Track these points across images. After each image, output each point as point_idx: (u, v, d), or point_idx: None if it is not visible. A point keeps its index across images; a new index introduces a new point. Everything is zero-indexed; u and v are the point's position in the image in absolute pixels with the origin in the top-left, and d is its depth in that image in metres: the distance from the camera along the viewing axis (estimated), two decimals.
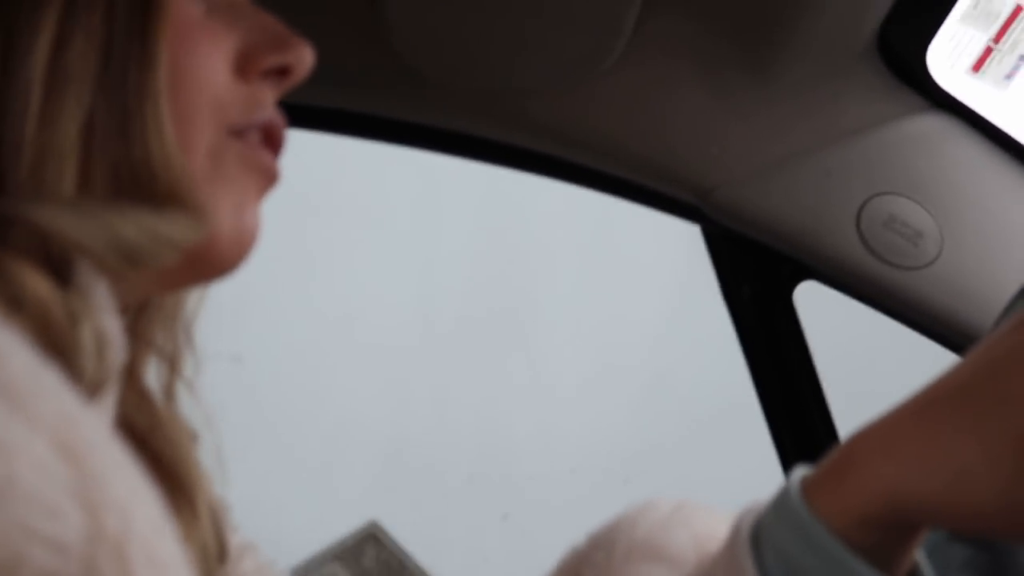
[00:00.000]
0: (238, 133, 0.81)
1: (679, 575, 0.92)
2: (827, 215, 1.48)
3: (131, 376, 0.88)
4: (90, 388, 0.68)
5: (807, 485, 0.78)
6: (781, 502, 0.79)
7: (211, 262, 0.80)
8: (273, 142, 0.84)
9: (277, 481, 3.46)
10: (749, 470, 2.13)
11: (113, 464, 0.60)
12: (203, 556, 0.90)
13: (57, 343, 0.66)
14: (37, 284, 0.66)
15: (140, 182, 0.73)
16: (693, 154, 1.49)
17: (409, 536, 3.65)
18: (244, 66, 0.82)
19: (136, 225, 0.72)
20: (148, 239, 0.72)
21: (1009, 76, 1.40)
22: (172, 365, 0.92)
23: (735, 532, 0.82)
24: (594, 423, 3.77)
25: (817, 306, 1.67)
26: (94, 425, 0.60)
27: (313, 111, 1.49)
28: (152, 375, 0.92)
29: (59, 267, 0.70)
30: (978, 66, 1.40)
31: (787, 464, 1.61)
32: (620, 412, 3.78)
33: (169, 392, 0.91)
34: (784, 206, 1.48)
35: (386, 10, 1.34)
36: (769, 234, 1.51)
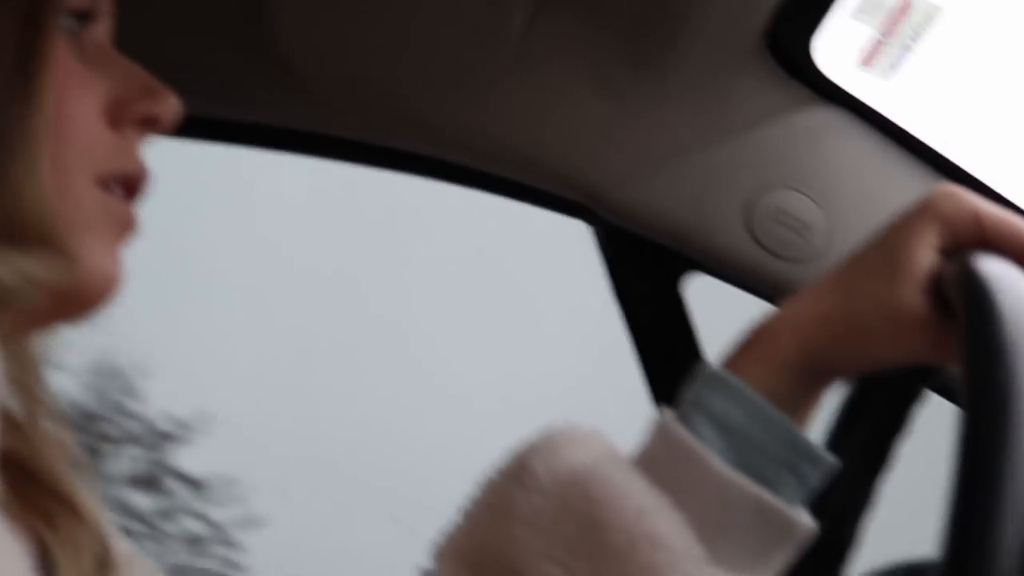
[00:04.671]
0: (103, 183, 0.84)
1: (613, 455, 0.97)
2: (716, 210, 1.48)
3: None
4: None
5: (726, 361, 0.92)
6: (701, 377, 0.92)
7: (78, 303, 0.83)
8: (133, 191, 0.86)
9: None
10: None
11: None
12: (95, 565, 0.89)
13: None
14: None
15: (12, 223, 0.75)
16: (582, 154, 1.48)
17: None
18: (116, 115, 0.85)
19: (5, 266, 0.74)
20: (17, 280, 0.74)
21: (895, 67, 1.41)
22: (29, 392, 0.91)
23: (658, 416, 0.93)
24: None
25: (710, 299, 1.67)
26: None
27: (194, 121, 1.46)
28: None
29: None
30: (868, 59, 1.41)
31: None
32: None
33: (32, 415, 0.91)
34: (673, 203, 1.48)
35: (272, 16, 1.32)
36: (659, 231, 1.51)
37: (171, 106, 0.88)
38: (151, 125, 0.87)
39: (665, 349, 1.61)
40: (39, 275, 0.75)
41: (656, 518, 0.89)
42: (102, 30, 0.88)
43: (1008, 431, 0.69)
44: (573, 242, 1.78)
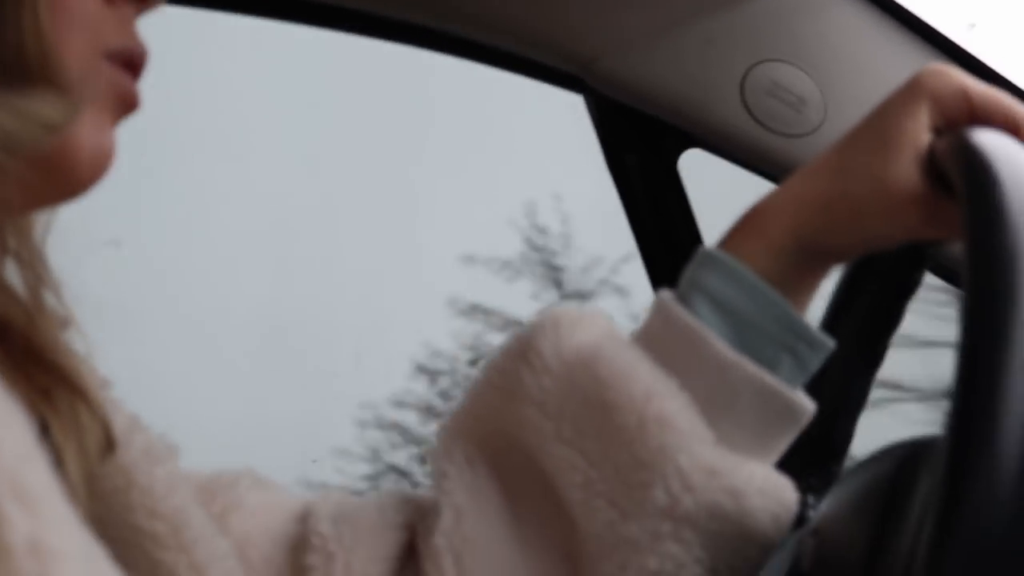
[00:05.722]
0: (108, 56, 0.82)
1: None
2: (710, 83, 1.48)
3: None
4: None
5: (723, 242, 0.93)
6: (699, 259, 0.92)
7: (68, 176, 0.81)
8: (135, 69, 0.85)
9: (159, 366, 3.44)
10: None
11: None
12: (98, 447, 0.89)
13: None
14: None
15: (13, 69, 0.75)
16: (575, 23, 1.48)
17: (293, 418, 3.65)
18: None
19: (8, 110, 0.73)
20: (22, 122, 0.73)
21: None
22: (33, 269, 0.91)
23: (657, 296, 0.94)
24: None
25: (703, 173, 1.67)
26: None
27: None
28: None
29: None
30: None
31: None
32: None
33: (35, 293, 0.90)
34: (667, 75, 1.48)
35: None
36: (653, 104, 1.51)
37: None
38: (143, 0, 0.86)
39: (661, 224, 1.62)
40: (41, 113, 0.75)
41: (664, 399, 0.90)
42: None
43: (1015, 292, 0.69)
44: (568, 118, 1.78)
